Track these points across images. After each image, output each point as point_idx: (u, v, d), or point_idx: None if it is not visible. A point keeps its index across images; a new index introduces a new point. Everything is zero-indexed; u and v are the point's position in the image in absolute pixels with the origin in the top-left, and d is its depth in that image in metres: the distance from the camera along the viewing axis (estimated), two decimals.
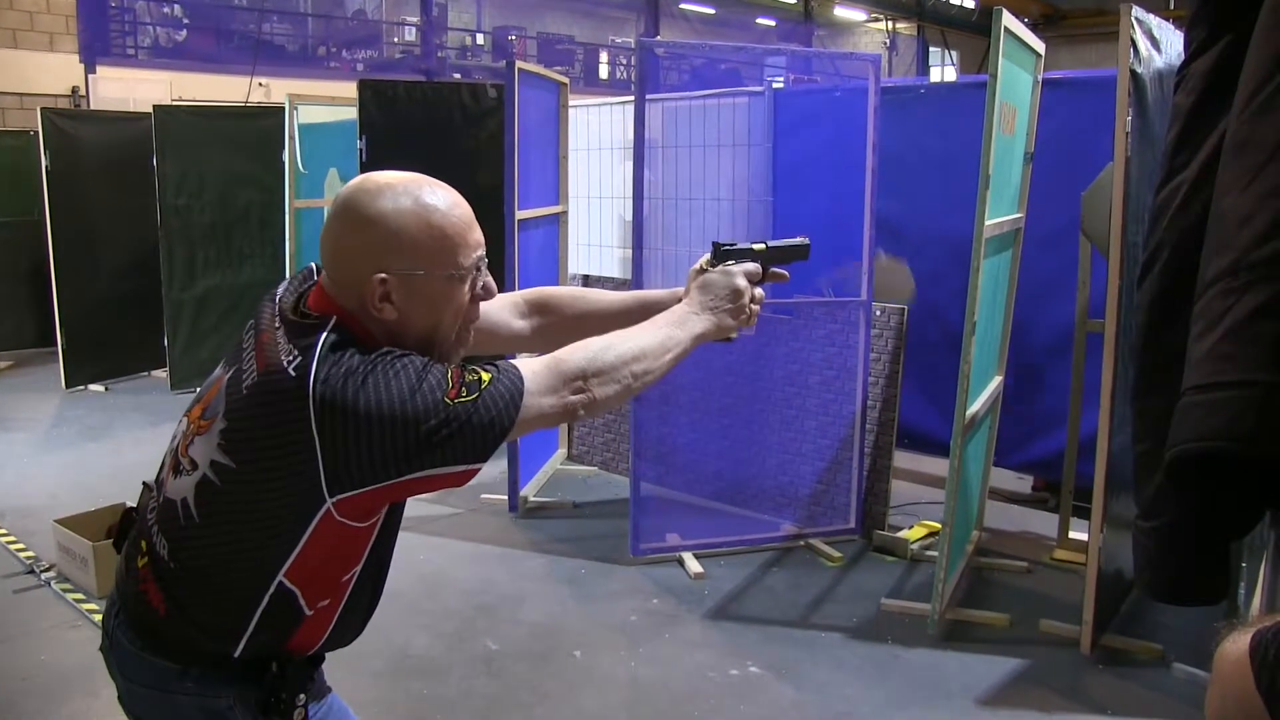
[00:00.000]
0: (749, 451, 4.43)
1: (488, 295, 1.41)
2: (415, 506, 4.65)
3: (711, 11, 20.75)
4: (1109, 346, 3.09)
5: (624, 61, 18.53)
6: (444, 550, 4.16)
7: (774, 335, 4.33)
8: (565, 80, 5.17)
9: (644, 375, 1.40)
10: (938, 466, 4.67)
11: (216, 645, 1.34)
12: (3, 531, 4.30)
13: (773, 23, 22.00)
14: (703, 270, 1.57)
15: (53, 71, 10.49)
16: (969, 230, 3.18)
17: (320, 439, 1.22)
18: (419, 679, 3.17)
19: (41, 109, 6.74)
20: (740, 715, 2.98)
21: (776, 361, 4.32)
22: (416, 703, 3.04)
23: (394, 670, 3.21)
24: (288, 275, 1.66)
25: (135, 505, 1.51)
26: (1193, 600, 1.78)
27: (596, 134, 5.85)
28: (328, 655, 1.49)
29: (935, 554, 3.67)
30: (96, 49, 11.00)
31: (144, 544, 1.40)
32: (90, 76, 10.75)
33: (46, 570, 3.87)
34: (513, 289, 4.36)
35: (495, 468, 4.71)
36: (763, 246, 1.60)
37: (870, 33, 23.62)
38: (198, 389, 1.47)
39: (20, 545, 4.15)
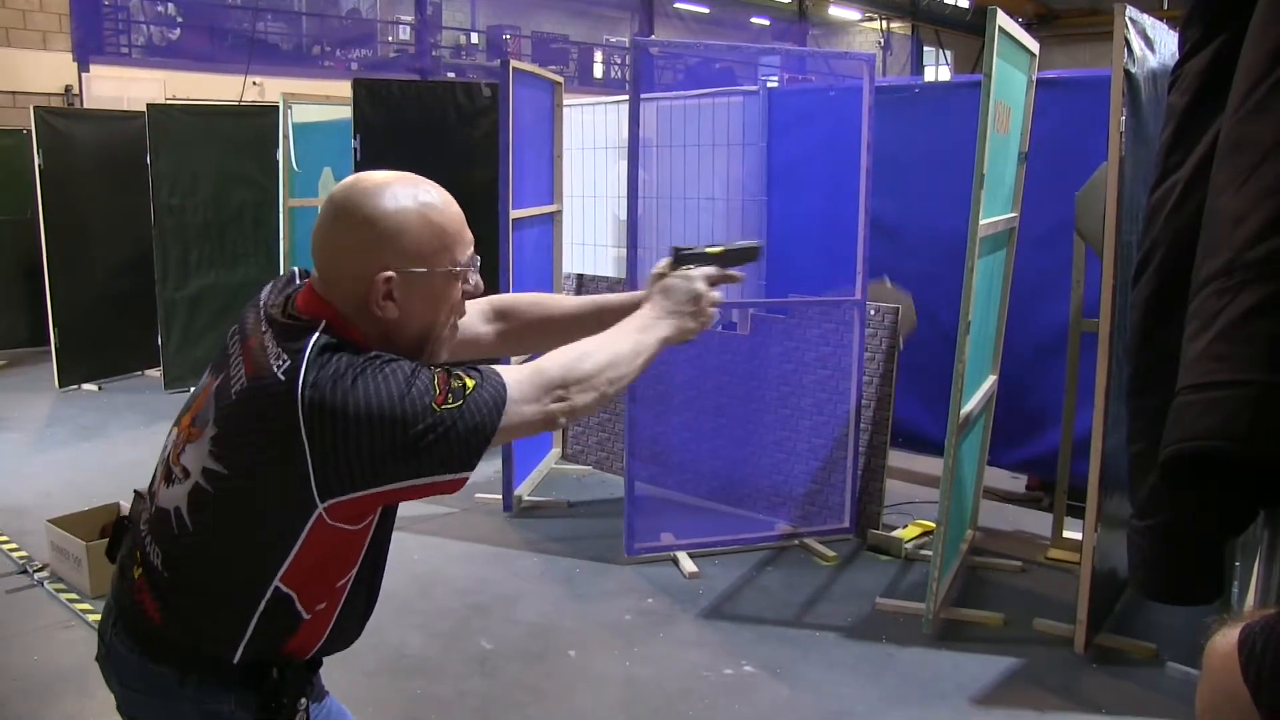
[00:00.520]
0: (743, 451, 4.43)
1: (476, 293, 1.44)
2: (409, 506, 4.62)
3: (706, 11, 20.73)
4: (1103, 346, 3.10)
5: (618, 61, 18.51)
6: (438, 549, 4.16)
7: (768, 334, 4.33)
8: (559, 79, 5.17)
9: (618, 381, 1.43)
10: (932, 466, 4.67)
11: (215, 651, 1.35)
12: None
13: (767, 22, 21.99)
14: (662, 275, 1.59)
15: (46, 70, 10.44)
16: (963, 229, 3.18)
17: (309, 443, 1.23)
18: (414, 678, 3.17)
19: (34, 108, 6.72)
20: (735, 714, 2.98)
21: (771, 361, 4.32)
22: (411, 702, 3.04)
23: (389, 669, 3.20)
24: (281, 274, 1.66)
25: (128, 514, 1.51)
26: (1187, 600, 1.78)
27: (591, 133, 5.85)
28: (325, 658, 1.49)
29: (930, 553, 3.68)
30: (90, 47, 10.95)
31: (139, 554, 1.40)
32: (84, 75, 10.70)
33: (39, 570, 3.86)
34: (507, 289, 4.36)
35: (490, 467, 4.70)
36: (718, 250, 1.63)
37: (865, 32, 23.62)
38: (191, 389, 1.48)
39: (13, 545, 4.13)
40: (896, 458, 4.67)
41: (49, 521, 3.83)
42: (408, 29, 16.42)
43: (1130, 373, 1.76)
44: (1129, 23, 3.01)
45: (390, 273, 1.31)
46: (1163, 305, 1.60)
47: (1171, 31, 3.30)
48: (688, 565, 3.95)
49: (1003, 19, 3.17)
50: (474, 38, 18.01)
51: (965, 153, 3.25)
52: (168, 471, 1.37)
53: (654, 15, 18.62)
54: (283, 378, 1.25)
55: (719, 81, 12.88)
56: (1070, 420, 3.89)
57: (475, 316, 1.65)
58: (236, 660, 1.34)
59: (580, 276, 5.34)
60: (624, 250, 4.24)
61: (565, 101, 5.18)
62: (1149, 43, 3.18)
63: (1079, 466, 3.69)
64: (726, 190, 5.17)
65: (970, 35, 22.30)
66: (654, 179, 4.99)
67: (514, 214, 4.40)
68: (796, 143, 5.11)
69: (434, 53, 15.52)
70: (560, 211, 5.22)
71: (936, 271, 4.47)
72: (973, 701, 3.03)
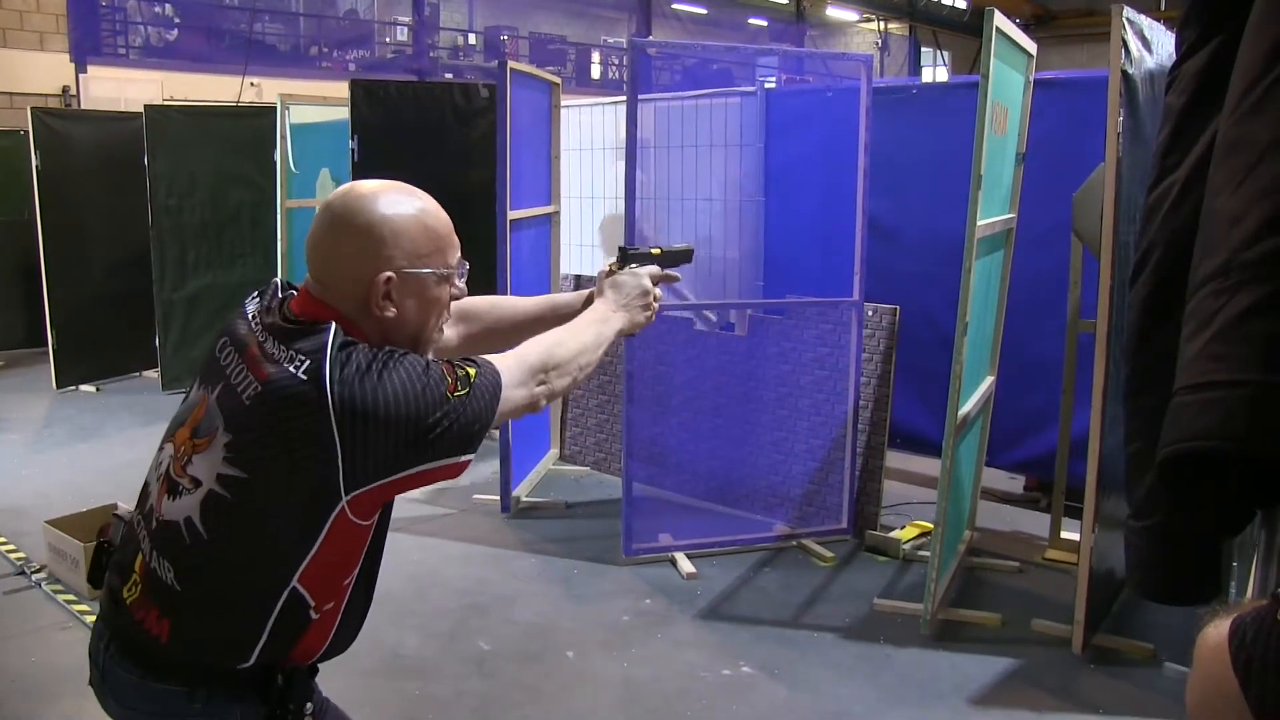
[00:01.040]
0: (741, 451, 4.43)
1: (460, 297, 1.54)
2: (407, 507, 4.66)
3: (703, 11, 20.73)
4: (1100, 346, 3.10)
5: (616, 61, 18.52)
6: (436, 550, 4.16)
7: (766, 335, 4.33)
8: (557, 80, 5.17)
9: (587, 367, 1.57)
10: (930, 466, 4.68)
11: (225, 661, 1.37)
12: None
13: (764, 23, 22.00)
14: (611, 272, 1.74)
15: (43, 71, 10.44)
16: (961, 230, 3.19)
17: (340, 437, 1.28)
18: (411, 679, 3.16)
19: (32, 108, 6.72)
20: (732, 715, 2.98)
21: (768, 361, 4.32)
22: (409, 703, 3.04)
23: (386, 670, 3.20)
24: (279, 275, 1.69)
25: (107, 539, 1.54)
26: (1184, 600, 1.79)
27: (588, 134, 5.85)
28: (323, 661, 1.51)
29: (927, 554, 3.68)
30: (87, 48, 10.95)
31: (134, 575, 1.41)
32: (81, 76, 10.70)
33: (37, 571, 3.86)
34: (505, 290, 4.36)
35: (488, 467, 4.70)
36: (659, 251, 1.80)
37: (862, 33, 23.63)
38: (185, 392, 1.49)
39: (11, 546, 4.13)
40: (894, 458, 4.67)
41: (46, 523, 3.83)
42: (405, 30, 16.43)
43: (1128, 373, 1.76)
44: (1126, 23, 3.01)
45: (390, 274, 1.38)
46: (1160, 306, 1.61)
47: (1169, 32, 3.30)
48: (685, 566, 3.95)
49: (1000, 20, 3.17)
50: (471, 38, 18.02)
51: (963, 154, 3.25)
52: (171, 485, 1.39)
53: (651, 16, 18.62)
54: (304, 377, 1.30)
55: (716, 82, 12.88)
56: (1068, 421, 3.89)
57: None
58: (249, 665, 1.36)
59: (579, 277, 5.34)
60: None
61: (563, 102, 5.17)
62: (1146, 43, 3.18)
63: (1077, 467, 3.70)
64: (724, 191, 5.17)
65: (968, 36, 22.31)
66: (652, 180, 4.99)
67: (512, 215, 4.40)
68: (794, 143, 5.11)
69: (431, 53, 15.52)
70: (558, 212, 5.22)
71: (934, 272, 4.47)
72: (970, 702, 3.03)
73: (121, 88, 10.69)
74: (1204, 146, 1.48)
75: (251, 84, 10.27)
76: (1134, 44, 3.08)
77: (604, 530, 4.30)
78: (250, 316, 1.44)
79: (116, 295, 6.89)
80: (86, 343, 6.82)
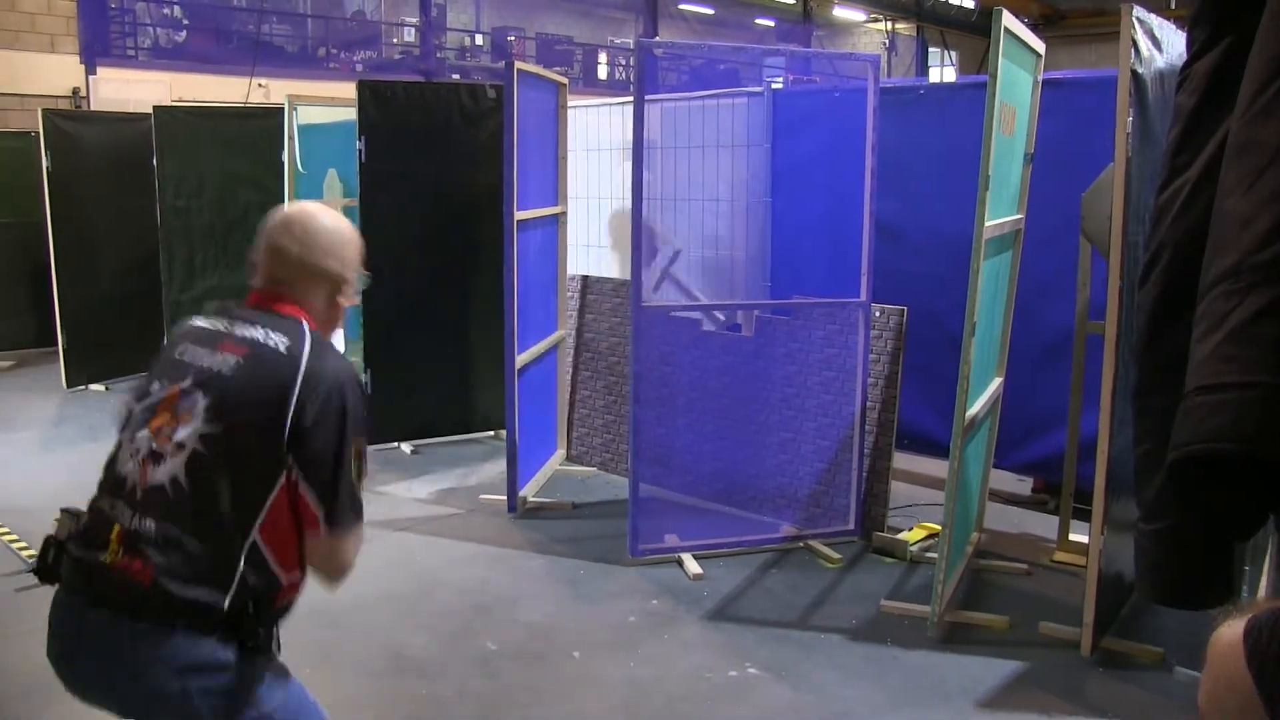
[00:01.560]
0: (748, 452, 4.42)
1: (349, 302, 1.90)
2: (414, 507, 4.66)
3: (710, 12, 20.74)
4: (1109, 347, 3.09)
5: (623, 62, 18.52)
6: (442, 550, 4.16)
7: (773, 336, 4.33)
8: (564, 81, 5.17)
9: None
10: (937, 468, 4.66)
11: (204, 598, 1.57)
12: (4, 530, 4.30)
13: (771, 23, 21.99)
14: None
15: (53, 73, 10.48)
16: (968, 231, 3.18)
17: (299, 390, 1.60)
18: (417, 679, 3.16)
19: (42, 110, 6.76)
20: (738, 716, 2.98)
21: (775, 362, 4.31)
22: (414, 703, 3.03)
23: (392, 670, 3.20)
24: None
25: (53, 535, 1.72)
26: (1194, 604, 1.77)
27: (595, 135, 5.85)
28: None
29: (935, 555, 3.67)
30: (97, 50, 10.99)
31: (111, 544, 1.60)
32: (90, 78, 10.75)
33: None
34: (512, 290, 4.37)
35: (495, 468, 4.71)
36: None
37: (869, 33, 23.61)
38: (141, 397, 1.73)
39: (22, 544, 4.15)
40: (901, 460, 4.66)
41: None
42: (412, 31, 16.45)
43: (1137, 374, 1.75)
44: (1136, 23, 3.00)
45: (348, 276, 1.79)
46: (1170, 307, 1.60)
47: (1179, 31, 3.28)
48: (692, 567, 3.94)
49: (1008, 20, 3.16)
50: (479, 39, 18.05)
51: (970, 154, 3.24)
52: (155, 456, 1.62)
53: (658, 16, 18.62)
54: (284, 350, 1.64)
55: (723, 83, 12.87)
56: (1076, 422, 3.87)
57: None
58: (225, 607, 1.57)
59: (585, 278, 5.34)
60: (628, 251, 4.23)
61: (570, 103, 5.17)
62: (1156, 43, 3.16)
63: (1085, 469, 3.69)
64: (731, 191, 5.17)
65: (975, 36, 22.29)
66: (659, 180, 4.99)
67: (519, 215, 4.40)
68: (801, 144, 5.11)
69: (439, 54, 15.52)
70: (565, 213, 5.22)
71: (941, 273, 4.46)
72: (977, 705, 3.02)
73: (130, 89, 10.72)
74: (1215, 147, 1.47)
75: (259, 85, 10.30)
76: (1144, 43, 3.06)
77: (610, 531, 4.30)
78: (210, 325, 1.73)
79: (126, 296, 6.91)
80: (96, 343, 6.85)
